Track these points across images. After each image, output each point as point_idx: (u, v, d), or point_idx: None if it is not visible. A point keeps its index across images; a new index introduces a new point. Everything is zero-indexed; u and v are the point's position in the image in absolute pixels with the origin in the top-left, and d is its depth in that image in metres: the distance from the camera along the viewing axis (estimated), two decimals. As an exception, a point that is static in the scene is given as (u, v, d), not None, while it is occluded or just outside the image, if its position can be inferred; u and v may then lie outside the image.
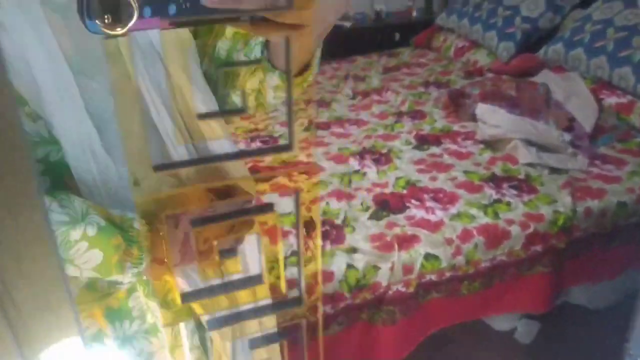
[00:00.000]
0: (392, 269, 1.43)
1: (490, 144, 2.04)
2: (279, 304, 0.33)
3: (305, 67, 0.60)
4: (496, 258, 1.56)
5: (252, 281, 0.32)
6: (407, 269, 1.45)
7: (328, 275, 1.39)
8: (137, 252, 0.57)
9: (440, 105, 2.42)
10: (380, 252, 1.45)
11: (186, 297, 0.29)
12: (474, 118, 2.23)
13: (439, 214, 1.60)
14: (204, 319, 0.64)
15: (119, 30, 0.32)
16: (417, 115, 2.35)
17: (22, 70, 0.48)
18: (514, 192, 1.73)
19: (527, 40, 2.70)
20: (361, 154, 1.96)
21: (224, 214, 0.57)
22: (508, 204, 1.66)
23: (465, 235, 1.53)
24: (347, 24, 3.44)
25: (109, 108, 0.57)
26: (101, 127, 0.55)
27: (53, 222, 0.51)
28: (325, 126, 2.25)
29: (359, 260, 1.43)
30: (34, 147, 0.53)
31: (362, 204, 1.67)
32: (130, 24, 0.32)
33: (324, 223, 1.56)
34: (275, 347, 0.74)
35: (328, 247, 1.47)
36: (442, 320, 1.58)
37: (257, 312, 0.31)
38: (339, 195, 1.70)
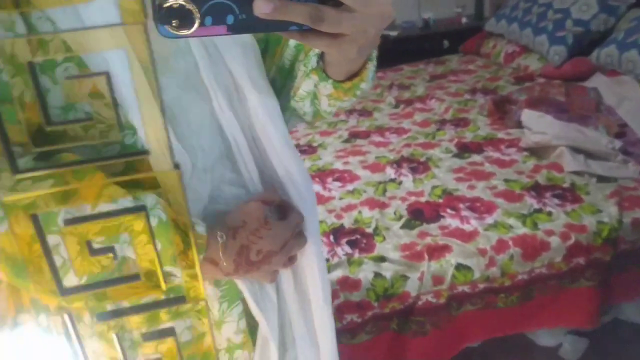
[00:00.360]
0: (421, 278, 1.40)
1: (535, 152, 1.97)
2: (163, 301, 0.34)
3: (354, 75, 0.63)
4: (534, 270, 1.49)
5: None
6: (438, 280, 1.42)
7: (355, 283, 1.38)
8: (191, 256, 0.59)
9: (485, 112, 2.36)
10: (410, 261, 1.43)
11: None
12: (519, 125, 2.16)
13: (473, 224, 1.56)
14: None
15: (184, 34, 0.40)
16: (460, 122, 2.30)
17: (101, 64, 0.54)
18: (557, 201, 1.65)
19: (580, 43, 2.59)
20: (398, 163, 1.95)
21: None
22: (549, 213, 1.59)
23: (500, 246, 1.48)
24: (393, 33, 3.43)
25: (179, 102, 0.62)
26: (172, 119, 0.60)
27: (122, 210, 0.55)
28: (365, 135, 2.24)
29: (387, 270, 1.41)
30: (114, 130, 0.57)
31: (395, 213, 1.65)
32: (193, 30, 0.39)
33: (354, 231, 1.56)
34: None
35: (356, 255, 1.46)
36: (478, 333, 1.53)
37: (142, 308, 0.32)
38: (372, 203, 1.69)
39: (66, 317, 0.27)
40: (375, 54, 0.64)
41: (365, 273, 1.40)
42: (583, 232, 1.52)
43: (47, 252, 0.28)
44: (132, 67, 0.38)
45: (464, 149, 2.04)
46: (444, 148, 2.06)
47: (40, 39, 0.46)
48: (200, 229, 0.62)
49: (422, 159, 1.97)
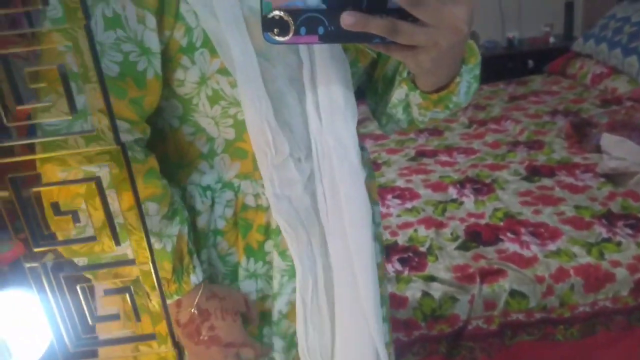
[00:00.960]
0: (471, 302, 1.37)
1: (612, 178, 1.85)
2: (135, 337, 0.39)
3: (443, 88, 0.67)
4: (597, 303, 1.41)
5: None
6: (489, 305, 1.38)
7: (402, 301, 1.38)
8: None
9: (562, 135, 2.26)
10: (460, 283, 1.41)
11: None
12: (598, 149, 2.05)
13: (533, 249, 1.50)
14: None
15: (281, 40, 0.49)
16: (534, 145, 2.22)
17: (226, 50, 0.64)
18: (629, 231, 1.55)
19: (675, 64, 2.41)
20: (462, 183, 1.91)
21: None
22: (618, 243, 1.50)
23: (560, 274, 1.41)
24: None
25: (286, 93, 0.69)
26: (276, 106, 0.67)
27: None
28: (432, 154, 2.22)
29: (436, 290, 1.39)
30: (230, 106, 0.68)
31: (452, 234, 1.63)
32: (288, 37, 0.49)
33: (407, 249, 1.56)
34: None
35: (406, 273, 1.46)
36: (532, 365, 1.46)
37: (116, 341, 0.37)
38: (429, 222, 1.68)
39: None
40: (472, 71, 0.68)
41: (413, 291, 1.39)
42: (656, 266, 1.41)
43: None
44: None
45: (534, 172, 1.97)
46: (513, 170, 2.00)
47: (186, 27, 0.63)
48: (194, 278, 0.69)
49: (488, 181, 1.92)
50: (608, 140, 2.00)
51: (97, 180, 0.31)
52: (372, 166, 0.86)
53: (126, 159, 0.32)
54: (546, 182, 1.89)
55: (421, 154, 2.24)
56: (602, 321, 1.43)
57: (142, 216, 0.36)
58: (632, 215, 1.62)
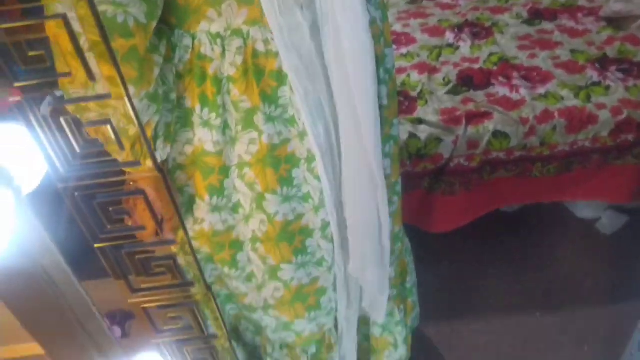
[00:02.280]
0: (455, 142, 1.45)
1: (615, 22, 1.82)
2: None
3: None
4: (577, 143, 1.49)
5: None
6: (472, 144, 1.46)
7: (390, 142, 1.46)
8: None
9: (572, -25, 2.15)
10: (447, 125, 1.48)
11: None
12: (607, -9, 1.97)
13: (522, 93, 1.54)
14: None
15: None
16: (541, -14, 2.13)
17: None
18: (620, 75, 1.57)
19: None
20: (460, 27, 1.89)
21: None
22: (607, 87, 1.53)
23: (545, 116, 1.47)
24: None
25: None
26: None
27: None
28: (434, -4, 2.16)
29: (423, 131, 1.47)
30: None
31: (444, 79, 1.66)
32: None
33: (398, 94, 1.60)
34: None
35: (396, 116, 1.52)
36: (509, 198, 1.59)
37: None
38: (423, 67, 1.70)
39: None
40: None
41: (400, 133, 1.47)
42: (638, 109, 1.46)
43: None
44: None
45: (536, 16, 1.92)
46: (515, 13, 1.95)
47: None
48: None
49: (488, 24, 1.89)
50: (617, -20, 1.91)
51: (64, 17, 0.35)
52: (385, 7, 0.87)
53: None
54: (547, 25, 1.86)
55: (422, -4, 2.16)
56: (579, 160, 1.52)
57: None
58: (626, 60, 1.63)
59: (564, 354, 1.52)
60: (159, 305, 0.56)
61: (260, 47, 0.75)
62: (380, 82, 0.85)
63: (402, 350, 1.20)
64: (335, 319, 1.04)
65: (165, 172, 0.81)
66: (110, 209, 0.52)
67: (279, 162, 0.82)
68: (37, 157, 0.45)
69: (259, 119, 0.78)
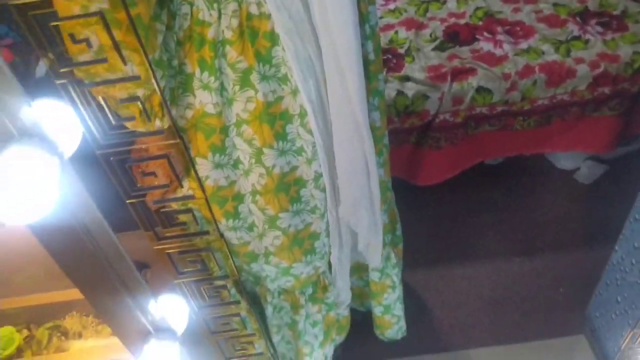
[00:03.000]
0: (441, 98, 1.51)
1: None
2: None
3: None
4: (556, 97, 1.55)
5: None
6: (457, 100, 1.52)
7: (378, 100, 1.52)
8: None
9: None
10: (433, 82, 1.53)
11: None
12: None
13: (506, 48, 1.59)
14: None
15: None
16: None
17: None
18: (600, 29, 1.62)
19: None
20: (447, -19, 1.91)
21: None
22: (586, 41, 1.58)
23: (526, 71, 1.52)
24: None
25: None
26: None
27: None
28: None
29: (410, 89, 1.52)
30: None
31: (431, 35, 1.70)
32: None
33: (386, 51, 1.64)
34: None
35: (384, 74, 1.57)
36: (492, 151, 1.66)
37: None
38: (410, 24, 1.74)
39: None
40: None
41: (388, 91, 1.52)
42: (615, 62, 1.52)
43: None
44: None
45: (522, -32, 1.94)
46: (501, -34, 1.97)
47: None
48: None
49: (474, -22, 1.91)
50: None
51: (101, 15, 0.41)
52: None
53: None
54: (532, -22, 1.89)
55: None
56: (558, 113, 1.59)
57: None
58: (607, 13, 1.67)
59: (541, 296, 1.64)
60: (179, 250, 0.64)
61: (254, 9, 0.79)
62: (366, 37, 0.91)
63: (399, 291, 1.30)
64: (329, 263, 1.13)
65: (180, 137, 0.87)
66: (140, 170, 0.59)
67: (274, 119, 0.88)
68: (74, 126, 0.50)
69: (254, 78, 0.84)
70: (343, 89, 0.87)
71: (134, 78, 0.50)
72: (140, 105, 0.56)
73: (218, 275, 0.79)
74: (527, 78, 1.52)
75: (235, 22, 0.79)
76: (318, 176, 0.97)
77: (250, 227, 1.02)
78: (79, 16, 0.61)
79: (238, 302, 0.87)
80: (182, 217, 0.66)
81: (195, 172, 0.53)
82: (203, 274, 0.74)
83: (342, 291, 1.19)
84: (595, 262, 1.53)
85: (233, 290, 0.93)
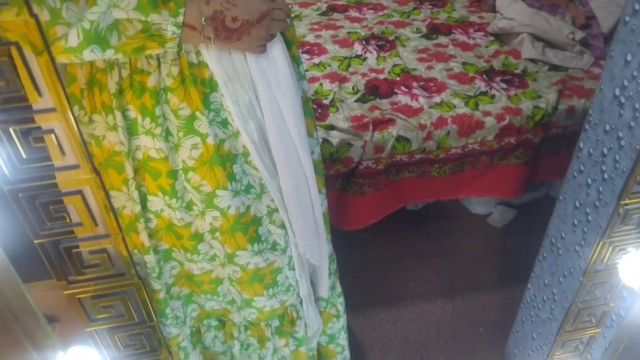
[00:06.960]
0: (364, 146, 1.59)
1: (501, 37, 2.05)
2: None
3: None
4: (468, 146, 1.68)
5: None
6: (379, 148, 1.61)
7: (304, 147, 1.57)
8: (173, 5, 0.75)
9: (465, -6, 2.39)
10: (356, 131, 1.61)
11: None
12: (494, 9, 2.22)
13: (421, 101, 1.71)
14: None
15: None
16: (438, 3, 2.34)
17: None
18: (504, 85, 1.79)
19: None
20: (367, 40, 2.04)
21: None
22: (492, 96, 1.74)
23: (440, 122, 1.64)
24: None
25: None
26: None
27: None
28: (343, 9, 2.30)
29: (335, 137, 1.59)
30: None
31: (353, 88, 1.80)
32: None
33: (312, 102, 1.71)
34: None
35: (309, 122, 1.63)
36: (412, 197, 1.75)
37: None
38: (334, 77, 1.83)
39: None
40: None
41: (314, 138, 1.58)
42: (518, 115, 1.67)
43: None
44: None
45: (433, 30, 2.12)
46: (415, 28, 2.14)
47: None
48: None
49: (391, 37, 2.06)
50: (502, 0, 2.16)
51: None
52: (292, 17, 0.97)
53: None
54: (443, 39, 2.06)
55: (332, 8, 2.30)
56: (470, 161, 1.72)
57: None
58: (509, 72, 1.85)
59: (463, 336, 1.70)
60: (92, 295, 0.62)
61: (193, 58, 0.82)
62: (301, 77, 0.97)
63: (343, 320, 1.31)
64: (299, 295, 1.14)
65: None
66: (51, 207, 0.58)
67: (224, 160, 0.90)
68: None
69: (199, 123, 0.85)
70: (283, 126, 0.90)
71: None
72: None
73: (134, 322, 0.76)
74: (441, 129, 1.64)
75: (175, 70, 0.81)
76: (271, 211, 0.99)
77: (212, 258, 1.02)
78: None
79: (155, 351, 0.85)
80: (95, 258, 0.65)
81: (111, 205, 0.53)
82: (117, 320, 0.72)
83: (312, 322, 1.20)
84: (511, 300, 1.62)
85: (151, 338, 0.91)
